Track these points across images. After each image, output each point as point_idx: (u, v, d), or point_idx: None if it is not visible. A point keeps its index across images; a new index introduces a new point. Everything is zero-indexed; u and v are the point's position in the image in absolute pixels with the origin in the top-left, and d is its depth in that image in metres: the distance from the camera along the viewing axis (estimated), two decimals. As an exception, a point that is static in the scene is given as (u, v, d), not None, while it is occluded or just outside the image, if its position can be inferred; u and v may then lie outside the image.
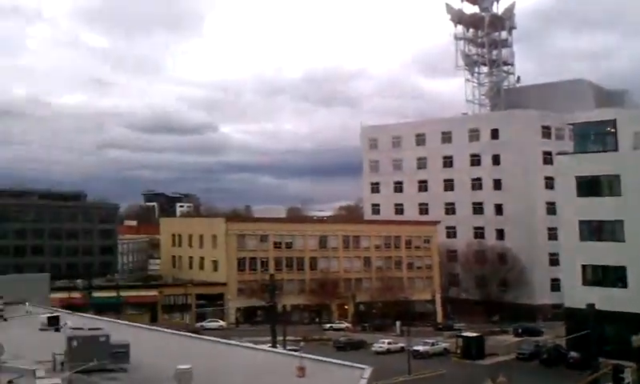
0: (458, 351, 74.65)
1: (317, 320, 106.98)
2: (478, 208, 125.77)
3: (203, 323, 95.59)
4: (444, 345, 78.85)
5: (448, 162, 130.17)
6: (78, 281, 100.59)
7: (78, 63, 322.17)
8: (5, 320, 36.21)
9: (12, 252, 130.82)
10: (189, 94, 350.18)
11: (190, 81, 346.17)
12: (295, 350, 30.49)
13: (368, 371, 24.38)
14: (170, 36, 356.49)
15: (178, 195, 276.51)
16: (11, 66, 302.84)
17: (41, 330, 32.87)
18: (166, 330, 38.46)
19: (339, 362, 27.28)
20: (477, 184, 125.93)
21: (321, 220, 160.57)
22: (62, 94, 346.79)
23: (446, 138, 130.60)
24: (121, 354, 24.89)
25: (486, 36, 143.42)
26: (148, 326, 42.22)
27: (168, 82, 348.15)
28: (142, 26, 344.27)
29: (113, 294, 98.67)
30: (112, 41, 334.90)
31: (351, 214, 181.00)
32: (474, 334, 78.18)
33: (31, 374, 22.17)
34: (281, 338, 67.24)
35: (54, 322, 33.59)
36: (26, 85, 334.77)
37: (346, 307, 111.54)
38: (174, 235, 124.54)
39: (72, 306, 58.09)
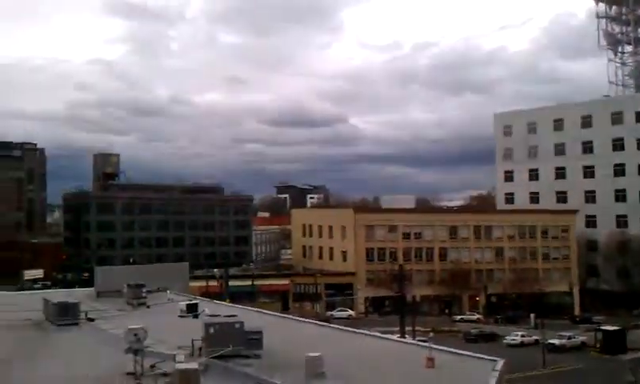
0: (597, 345, 71.01)
1: (447, 311, 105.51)
2: (620, 196, 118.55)
3: (333, 312, 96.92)
4: (581, 338, 75.39)
5: (588, 147, 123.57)
6: (215, 270, 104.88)
7: (216, 62, 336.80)
8: (148, 307, 38.09)
9: (155, 243, 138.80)
10: (320, 87, 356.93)
11: (321, 73, 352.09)
12: (424, 341, 30.12)
13: (500, 363, 23.59)
14: (302, 30, 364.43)
15: (308, 187, 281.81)
16: (155, 67, 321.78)
17: (180, 316, 34.24)
18: (296, 318, 39.25)
19: (470, 353, 26.62)
20: (619, 170, 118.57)
21: (451, 210, 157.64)
22: (200, 91, 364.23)
23: (586, 122, 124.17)
24: (255, 340, 25.61)
25: (630, 13, 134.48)
26: (280, 314, 43.32)
27: (300, 75, 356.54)
28: (274, 22, 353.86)
29: (247, 282, 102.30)
30: (246, 38, 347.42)
31: (483, 204, 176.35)
32: (615, 327, 74.17)
33: (171, 358, 23.27)
34: (410, 328, 66.84)
35: (192, 309, 34.97)
36: (168, 85, 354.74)
37: (477, 299, 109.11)
38: (304, 226, 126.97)
39: (209, 294, 60.58)
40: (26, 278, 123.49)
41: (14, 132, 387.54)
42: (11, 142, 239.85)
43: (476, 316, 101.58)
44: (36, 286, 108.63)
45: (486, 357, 25.02)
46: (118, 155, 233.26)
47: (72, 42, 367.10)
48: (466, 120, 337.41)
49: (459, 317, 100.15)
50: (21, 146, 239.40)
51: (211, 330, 25.24)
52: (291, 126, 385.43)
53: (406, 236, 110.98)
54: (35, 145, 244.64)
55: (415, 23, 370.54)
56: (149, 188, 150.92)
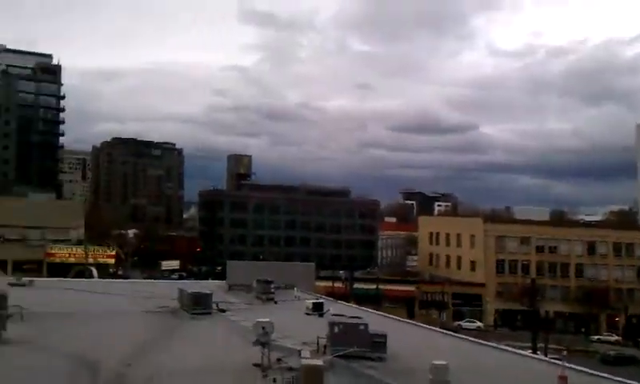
0: None
1: (582, 330, 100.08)
2: None
3: (460, 323, 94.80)
4: None
5: None
6: (341, 272, 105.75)
7: (344, 68, 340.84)
8: (275, 302, 39.11)
9: (283, 242, 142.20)
10: (449, 94, 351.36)
11: (451, 81, 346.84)
12: (557, 359, 28.65)
13: (641, 389, 22.00)
14: (433, 37, 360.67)
15: (435, 194, 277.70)
16: (286, 73, 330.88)
17: (306, 314, 34.91)
18: (422, 325, 38.68)
19: (606, 375, 25.03)
20: None
21: (589, 224, 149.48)
22: (329, 97, 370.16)
23: None
24: (379, 343, 25.44)
25: None
26: (405, 320, 42.95)
27: (429, 82, 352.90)
28: (404, 29, 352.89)
29: (372, 286, 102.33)
30: (375, 45, 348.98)
31: (623, 220, 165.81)
32: None
33: (296, 353, 23.62)
34: (542, 345, 64.05)
35: (318, 308, 35.50)
36: (298, 90, 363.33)
37: (616, 319, 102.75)
38: (431, 233, 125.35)
39: (334, 295, 61.05)
40: (163, 268, 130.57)
41: (155, 133, 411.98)
42: (152, 142, 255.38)
43: (614, 337, 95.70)
44: (173, 276, 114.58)
45: (624, 380, 23.45)
46: (250, 157, 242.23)
47: (210, 48, 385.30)
48: (604, 130, 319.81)
49: (596, 337, 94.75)
50: (161, 145, 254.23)
51: (336, 330, 25.36)
52: (419, 132, 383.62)
53: (540, 249, 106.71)
54: (174, 145, 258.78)
55: (549, 29, 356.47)
56: (278, 189, 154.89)
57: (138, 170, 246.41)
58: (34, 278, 46.13)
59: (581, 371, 25.13)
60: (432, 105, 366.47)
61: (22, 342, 24.49)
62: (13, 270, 78.96)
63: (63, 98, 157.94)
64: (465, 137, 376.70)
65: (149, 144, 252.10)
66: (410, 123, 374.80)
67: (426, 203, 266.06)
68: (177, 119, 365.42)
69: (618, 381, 23.87)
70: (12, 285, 37.77)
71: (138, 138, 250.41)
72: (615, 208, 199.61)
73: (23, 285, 39.67)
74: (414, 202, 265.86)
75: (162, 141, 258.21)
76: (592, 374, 25.09)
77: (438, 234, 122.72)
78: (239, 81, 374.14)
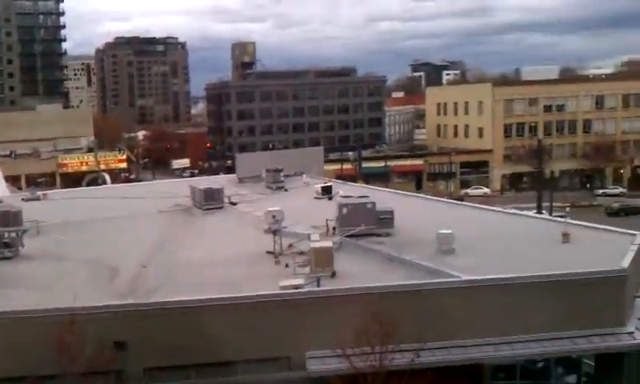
0: None
1: (588, 186, 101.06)
2: None
3: (467, 190, 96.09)
4: None
5: None
6: (350, 153, 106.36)
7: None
8: (285, 190, 39.76)
9: (291, 129, 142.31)
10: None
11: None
12: (562, 216, 29.48)
13: (639, 238, 22.81)
14: None
15: (444, 63, 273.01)
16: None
17: (315, 198, 35.56)
18: (429, 197, 39.49)
19: (607, 227, 25.87)
20: None
21: (598, 78, 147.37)
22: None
23: None
24: (386, 219, 26.27)
25: None
26: (412, 194, 43.77)
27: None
28: None
29: (381, 164, 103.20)
30: None
31: (635, 69, 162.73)
32: None
33: (306, 237, 24.55)
34: (547, 204, 64.97)
35: (327, 192, 36.13)
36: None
37: (621, 171, 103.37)
38: (438, 104, 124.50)
39: (344, 177, 61.96)
40: (174, 167, 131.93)
41: (158, 28, 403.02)
42: (154, 38, 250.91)
43: (619, 189, 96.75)
44: (184, 174, 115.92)
45: (624, 231, 24.26)
46: (253, 43, 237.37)
47: None
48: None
49: (601, 191, 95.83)
50: (164, 40, 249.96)
51: (344, 211, 26.17)
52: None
53: (548, 109, 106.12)
54: (177, 39, 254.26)
55: None
56: (284, 75, 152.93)
57: (143, 69, 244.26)
58: (48, 191, 47.01)
59: (584, 226, 25.96)
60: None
61: (39, 256, 25.31)
62: (26, 184, 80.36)
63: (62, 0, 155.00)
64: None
65: (152, 40, 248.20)
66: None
67: (435, 73, 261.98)
68: (179, 12, 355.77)
69: (618, 231, 24.67)
70: (26, 200, 38.33)
71: (141, 36, 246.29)
72: (627, 58, 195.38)
73: (37, 199, 39.69)
74: (422, 74, 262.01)
75: (164, 36, 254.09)
76: (594, 228, 25.90)
77: (445, 104, 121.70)
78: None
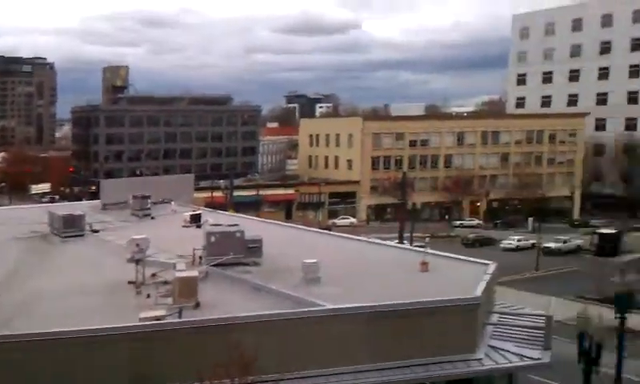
0: (593, 249, 71.54)
1: (447, 217, 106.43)
2: (632, 98, 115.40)
3: (335, 220, 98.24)
4: (577, 242, 76.16)
5: (605, 47, 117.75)
6: (221, 181, 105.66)
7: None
8: (152, 218, 38.73)
9: (162, 155, 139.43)
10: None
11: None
12: (421, 247, 30.75)
13: (492, 267, 24.21)
14: None
15: (318, 96, 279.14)
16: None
17: (183, 226, 34.88)
18: (297, 226, 39.91)
19: (463, 257, 27.26)
20: (635, 71, 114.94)
21: (460, 116, 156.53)
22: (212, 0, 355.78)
23: (607, 21, 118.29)
24: (254, 248, 26.21)
25: None
26: (281, 223, 44.07)
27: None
28: None
29: (253, 192, 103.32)
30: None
31: (493, 109, 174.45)
32: (611, 231, 74.33)
33: (171, 267, 23.99)
34: (409, 234, 67.64)
35: (196, 220, 35.57)
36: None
37: (478, 204, 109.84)
38: (311, 136, 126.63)
39: (214, 205, 61.25)
40: (33, 191, 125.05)
41: (26, 47, 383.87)
42: (21, 58, 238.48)
43: (475, 221, 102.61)
44: (43, 199, 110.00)
45: (478, 260, 25.64)
46: (126, 67, 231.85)
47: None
48: (485, 23, 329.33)
49: (459, 222, 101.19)
50: (31, 61, 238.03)
51: (212, 239, 25.81)
52: (304, 33, 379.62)
53: (413, 143, 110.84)
54: (45, 59, 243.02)
55: None
56: (157, 100, 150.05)
57: (6, 88, 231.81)
58: None
59: (441, 256, 27.18)
60: (317, 3, 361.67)
61: None
62: None
63: None
64: (348, 36, 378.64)
65: (18, 60, 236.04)
66: (296, 24, 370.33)
67: (309, 105, 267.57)
68: (49, 33, 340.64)
69: (472, 261, 26.04)
70: None
71: (6, 55, 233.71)
72: (487, 98, 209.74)
73: None
74: (296, 106, 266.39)
75: (32, 56, 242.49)
76: (450, 258, 27.21)
77: (317, 135, 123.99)
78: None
